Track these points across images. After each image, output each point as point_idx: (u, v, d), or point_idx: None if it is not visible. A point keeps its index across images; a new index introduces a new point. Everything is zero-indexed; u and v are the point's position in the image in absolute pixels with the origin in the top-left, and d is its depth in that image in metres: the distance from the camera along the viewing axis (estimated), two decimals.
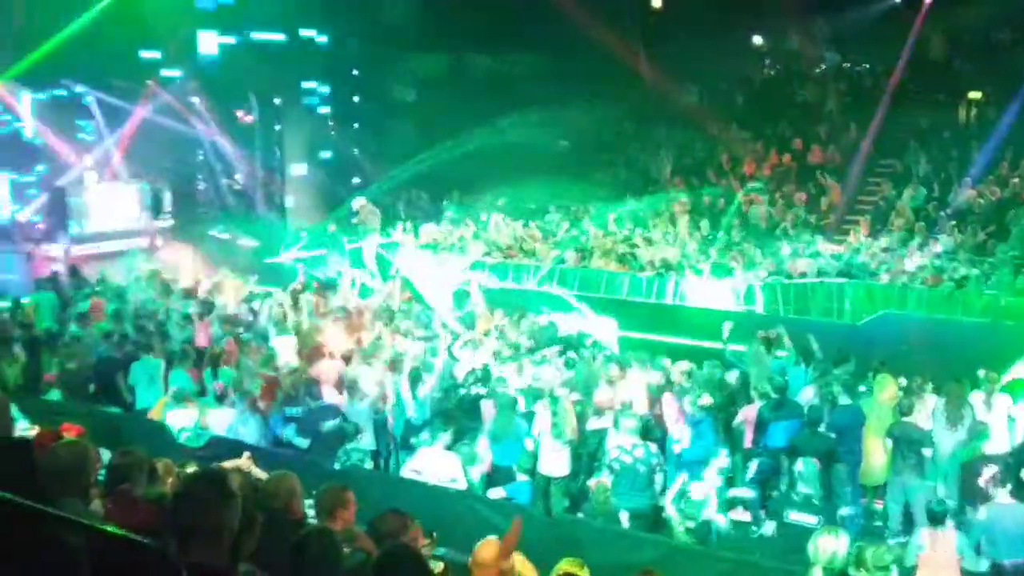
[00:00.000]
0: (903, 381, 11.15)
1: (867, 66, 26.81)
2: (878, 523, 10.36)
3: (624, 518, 9.15)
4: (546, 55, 27.04)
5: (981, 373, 10.96)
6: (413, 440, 10.65)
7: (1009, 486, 8.65)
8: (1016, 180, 21.05)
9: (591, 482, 9.20)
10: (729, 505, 8.73)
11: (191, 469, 6.59)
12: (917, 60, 24.04)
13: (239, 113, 25.91)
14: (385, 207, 25.27)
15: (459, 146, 26.22)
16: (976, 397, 10.62)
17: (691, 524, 8.76)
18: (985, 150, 22.00)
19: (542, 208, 24.29)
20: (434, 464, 9.19)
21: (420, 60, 28.69)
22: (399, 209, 25.17)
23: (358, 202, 21.75)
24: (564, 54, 25.72)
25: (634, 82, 25.37)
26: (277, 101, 25.72)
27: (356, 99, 27.76)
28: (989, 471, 9.03)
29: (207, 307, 14.26)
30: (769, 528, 8.50)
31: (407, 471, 9.33)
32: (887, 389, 10.84)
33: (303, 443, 10.08)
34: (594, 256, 20.74)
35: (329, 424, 10.10)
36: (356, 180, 26.79)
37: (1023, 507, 8.58)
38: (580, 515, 9.82)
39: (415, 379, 11.53)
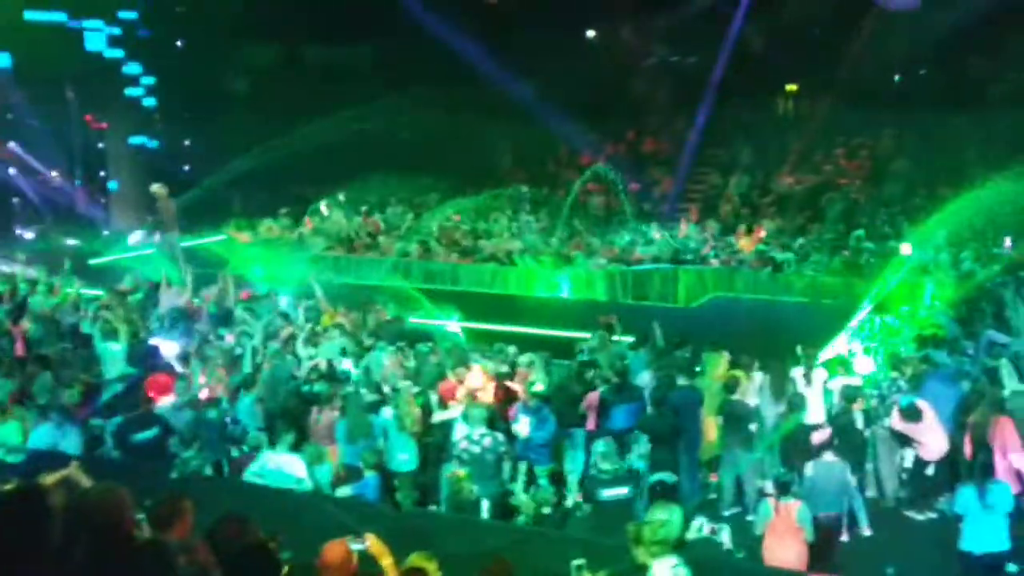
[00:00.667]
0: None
1: (693, 60, 27.79)
2: (713, 496, 10.88)
3: (485, 507, 9.31)
4: (382, 47, 26.93)
5: (800, 350, 11.64)
6: (254, 443, 10.45)
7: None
8: (829, 167, 22.31)
9: (448, 473, 9.28)
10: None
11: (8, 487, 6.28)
12: (738, 55, 25.05)
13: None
14: (220, 202, 24.75)
15: (297, 139, 25.87)
16: (796, 373, 11.29)
17: (546, 510, 9.01)
18: (801, 139, 23.22)
19: (383, 201, 24.19)
20: (278, 466, 9.12)
21: (252, 50, 28.10)
22: (234, 204, 24.61)
23: (158, 190, 20.51)
24: (400, 46, 25.65)
25: (471, 75, 25.50)
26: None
27: (185, 90, 26.84)
28: (822, 434, 9.65)
29: (20, 311, 13.68)
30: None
31: (249, 475, 9.21)
32: (718, 369, 11.41)
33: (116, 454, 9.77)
34: (437, 249, 20.88)
35: (144, 434, 9.85)
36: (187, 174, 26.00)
37: (840, 466, 9.31)
38: (433, 508, 9.95)
39: (249, 380, 11.41)
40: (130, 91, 25.54)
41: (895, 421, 10.46)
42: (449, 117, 26.96)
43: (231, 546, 4.95)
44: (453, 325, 15.04)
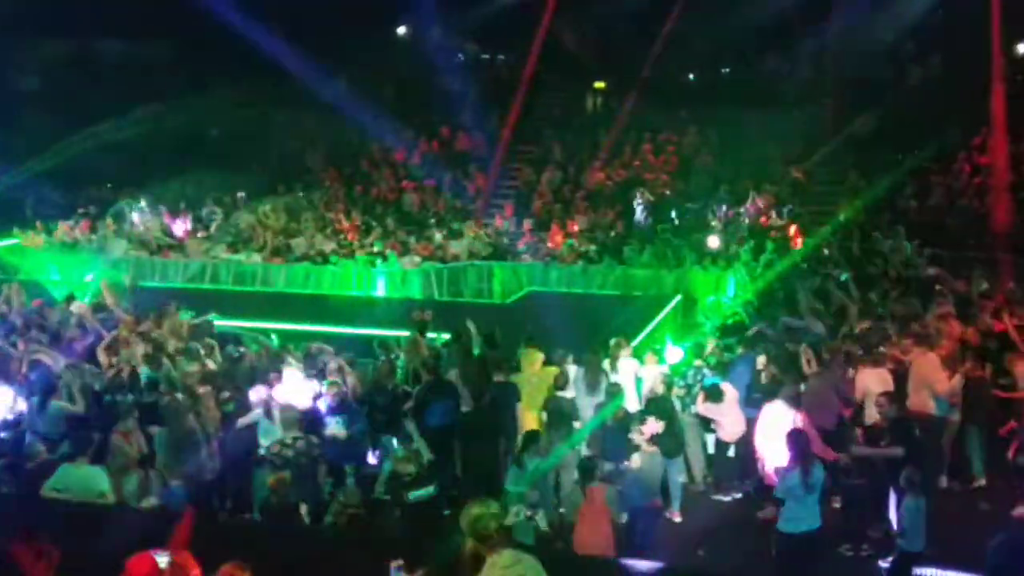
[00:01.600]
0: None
1: (503, 57, 28.15)
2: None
3: (304, 511, 9.11)
4: (184, 42, 26.01)
5: (612, 341, 11.97)
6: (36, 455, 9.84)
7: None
8: (638, 163, 23.02)
9: (271, 479, 9.02)
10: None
11: None
12: (548, 52, 25.50)
13: None
14: (11, 204, 23.30)
15: (96, 137, 24.66)
16: (608, 364, 11.61)
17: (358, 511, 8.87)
18: (609, 136, 23.86)
19: (192, 200, 23.33)
20: (80, 479, 8.67)
21: (43, 46, 26.62)
22: (27, 206, 23.20)
23: None
24: (201, 41, 24.82)
25: (280, 71, 24.95)
26: None
27: None
28: (653, 426, 9.92)
29: None
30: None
31: (47, 490, 8.70)
32: (534, 363, 11.58)
33: None
34: (249, 249, 20.35)
35: None
36: None
37: (659, 457, 9.64)
38: (247, 515, 9.67)
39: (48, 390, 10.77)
40: None
41: (699, 404, 10.93)
42: (258, 114, 26.35)
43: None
44: (263, 327, 14.65)
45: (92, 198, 23.76)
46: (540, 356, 11.71)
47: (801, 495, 8.32)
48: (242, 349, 12.67)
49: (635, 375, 11.54)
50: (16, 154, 24.28)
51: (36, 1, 22.75)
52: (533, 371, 11.48)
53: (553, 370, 11.41)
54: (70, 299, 14.67)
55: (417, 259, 19.60)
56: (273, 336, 13.72)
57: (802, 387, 10.69)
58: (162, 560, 5.46)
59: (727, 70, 25.83)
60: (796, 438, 8.60)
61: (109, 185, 24.49)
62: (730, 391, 10.88)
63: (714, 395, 10.80)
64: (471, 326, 12.88)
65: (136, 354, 11.87)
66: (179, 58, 26.68)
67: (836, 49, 23.12)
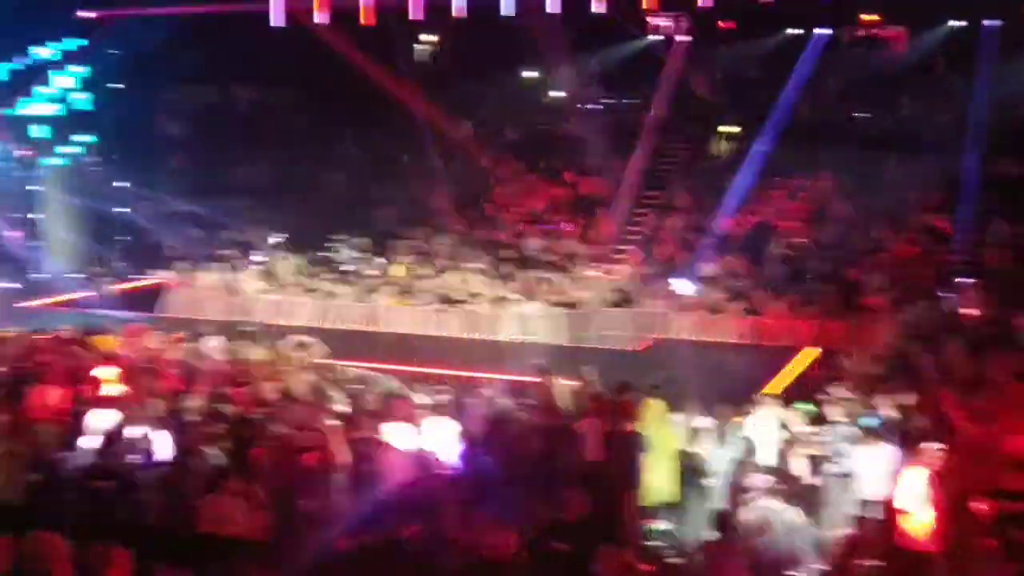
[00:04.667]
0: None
1: (628, 101, 28.09)
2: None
3: None
4: (314, 88, 26.82)
5: (746, 392, 11.61)
6: None
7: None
8: (769, 209, 22.57)
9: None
10: None
11: None
12: (675, 96, 25.37)
13: None
14: (154, 244, 24.30)
15: (233, 179, 25.57)
16: (740, 415, 11.24)
17: None
18: (739, 180, 23.47)
19: (322, 242, 23.88)
20: None
21: (187, 93, 27.81)
22: (168, 246, 24.09)
23: None
24: (332, 88, 25.55)
25: (407, 116, 25.48)
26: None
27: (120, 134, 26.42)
28: (763, 480, 9.54)
29: None
30: None
31: None
32: (657, 413, 11.27)
33: None
34: (377, 291, 20.63)
35: None
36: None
37: (789, 515, 9.22)
38: None
39: None
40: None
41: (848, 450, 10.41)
42: (385, 158, 26.94)
43: None
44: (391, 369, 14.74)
45: (227, 239, 24.54)
46: (663, 406, 11.42)
47: None
48: (368, 388, 12.76)
49: (769, 429, 11.14)
50: (160, 195, 25.39)
51: (182, 51, 23.79)
52: (656, 421, 11.19)
53: (679, 421, 11.13)
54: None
55: (542, 304, 19.54)
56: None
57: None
58: None
59: (864, 114, 25.19)
60: None
61: (242, 227, 25.23)
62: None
63: (871, 436, 10.30)
64: (593, 372, 12.70)
65: (268, 390, 12.07)
66: (311, 104, 27.48)
67: (979, 93, 22.33)
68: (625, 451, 10.46)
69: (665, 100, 25.18)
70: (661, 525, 10.77)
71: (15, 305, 20.15)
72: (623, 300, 19.71)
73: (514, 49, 25.42)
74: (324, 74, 24.54)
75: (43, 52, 22.64)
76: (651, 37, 25.66)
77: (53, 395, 11.35)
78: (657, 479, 10.54)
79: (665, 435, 10.86)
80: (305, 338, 14.46)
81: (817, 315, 18.26)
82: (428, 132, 25.70)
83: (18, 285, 22.03)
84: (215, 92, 28.40)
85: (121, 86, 25.74)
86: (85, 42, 23.56)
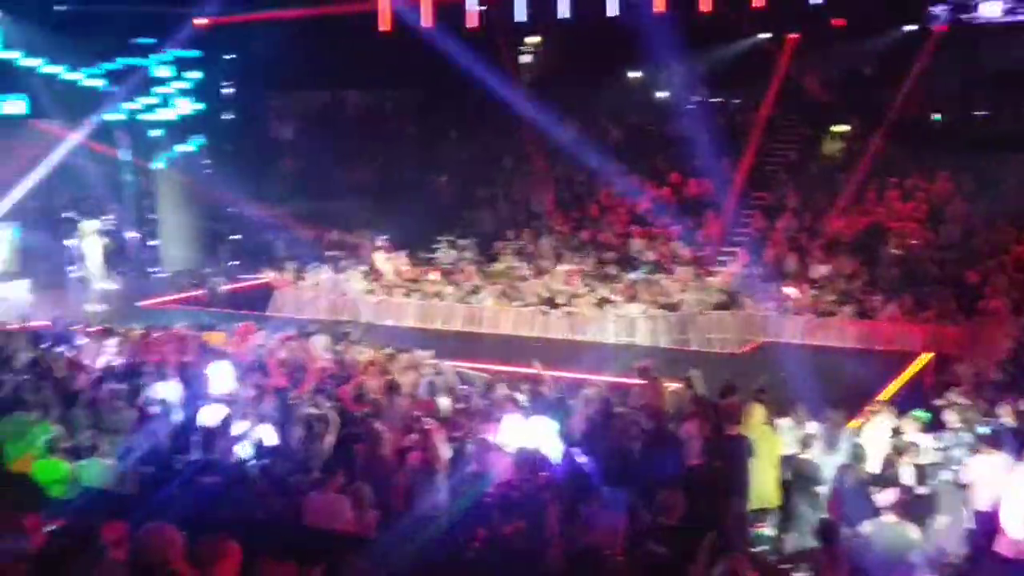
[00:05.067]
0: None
1: (737, 101, 27.69)
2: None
3: None
4: (419, 91, 27.14)
5: (857, 398, 11.28)
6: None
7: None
8: (882, 210, 21.94)
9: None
10: None
11: (61, 524, 6.20)
12: (785, 95, 24.91)
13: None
14: (264, 245, 24.91)
15: (340, 181, 26.04)
16: (852, 422, 10.93)
17: None
18: (851, 181, 22.89)
19: (426, 244, 24.14)
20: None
21: (298, 98, 28.46)
22: (278, 247, 24.68)
23: None
24: (436, 90, 25.82)
25: (511, 117, 25.58)
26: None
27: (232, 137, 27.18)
28: (892, 493, 9.24)
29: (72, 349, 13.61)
30: None
31: None
32: (759, 418, 11.03)
33: None
34: (479, 292, 20.71)
35: None
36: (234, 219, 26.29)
37: (904, 527, 8.89)
38: None
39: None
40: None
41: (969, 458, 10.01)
42: (489, 159, 27.09)
43: None
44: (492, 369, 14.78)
45: (334, 240, 24.97)
46: (768, 410, 11.17)
47: None
48: (470, 388, 12.83)
49: (881, 436, 10.79)
50: (270, 197, 26.03)
51: (293, 57, 24.34)
52: (759, 426, 10.95)
53: (785, 427, 10.87)
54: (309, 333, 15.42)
55: (644, 306, 19.35)
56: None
57: None
58: None
59: (983, 112, 24.30)
60: None
61: (348, 228, 25.63)
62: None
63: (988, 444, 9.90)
64: (697, 375, 12.52)
65: (372, 388, 12.22)
66: (418, 107, 27.82)
67: None
68: (729, 455, 10.27)
69: (774, 99, 24.68)
70: (766, 531, 10.56)
71: (135, 304, 20.83)
72: (728, 302, 19.39)
73: (619, 49, 25.27)
74: (430, 77, 24.79)
75: (157, 57, 23.35)
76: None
77: (166, 390, 11.70)
78: (762, 484, 10.34)
79: (770, 440, 10.65)
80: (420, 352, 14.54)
81: (932, 319, 17.65)
82: (532, 133, 25.75)
83: (136, 284, 22.77)
84: (324, 96, 28.97)
85: (233, 91, 26.51)
86: (198, 50, 24.26)
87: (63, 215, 23.33)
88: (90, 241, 20.66)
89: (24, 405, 10.70)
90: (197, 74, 24.50)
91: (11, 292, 21.08)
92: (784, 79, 24.47)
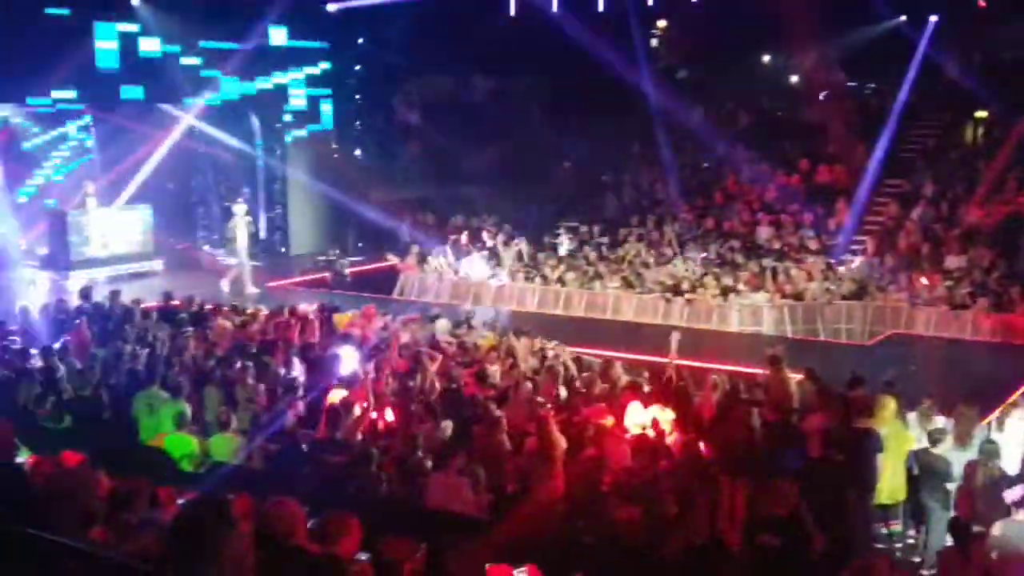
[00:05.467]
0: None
1: (873, 86, 26.82)
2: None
3: None
4: (544, 78, 27.11)
5: (992, 393, 10.83)
6: None
7: None
8: (1023, 199, 20.97)
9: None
10: None
11: (192, 496, 6.46)
12: (923, 80, 24.02)
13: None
14: (388, 229, 25.36)
15: (464, 166, 26.29)
16: (985, 417, 10.51)
17: None
18: (992, 169, 21.92)
19: (548, 229, 24.17)
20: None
21: (424, 84, 28.77)
22: (403, 232, 25.07)
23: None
24: (562, 77, 25.76)
25: (637, 101, 25.35)
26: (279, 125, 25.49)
27: (359, 122, 27.71)
28: (1017, 491, 8.87)
29: (205, 328, 14.12)
30: None
31: None
32: (889, 411, 10.68)
33: None
34: (601, 278, 20.62)
35: None
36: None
37: None
38: None
39: None
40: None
41: None
42: (613, 146, 26.90)
43: None
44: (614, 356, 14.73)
45: (458, 224, 25.24)
46: (893, 403, 10.81)
47: None
48: (592, 375, 12.79)
49: (1018, 434, 10.34)
50: (395, 181, 26.47)
51: (420, 42, 24.66)
52: (887, 419, 10.60)
53: (914, 421, 10.51)
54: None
55: (770, 295, 18.98)
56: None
57: None
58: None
59: None
60: None
61: (472, 213, 25.85)
62: None
63: None
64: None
65: (493, 372, 12.33)
66: (544, 92, 27.80)
67: None
68: (856, 449, 10.01)
69: (912, 84, 23.82)
70: (894, 528, 10.28)
71: (264, 285, 21.50)
72: (858, 292, 18.85)
73: (750, 33, 24.78)
74: (558, 62, 24.76)
75: (278, 39, 23.88)
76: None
77: (293, 370, 12.04)
78: (892, 480, 10.05)
79: (902, 435, 10.32)
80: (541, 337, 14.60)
81: None
82: (659, 119, 25.48)
83: (265, 264, 23.47)
84: (451, 81, 29.26)
85: (361, 76, 27.01)
86: (328, 35, 24.80)
87: (225, 203, 24.21)
88: (240, 223, 21.40)
89: (158, 382, 11.21)
90: (325, 61, 25.09)
91: (147, 271, 22.01)
92: (923, 63, 23.53)
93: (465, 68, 27.76)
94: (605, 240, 22.96)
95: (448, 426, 10.20)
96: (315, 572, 4.36)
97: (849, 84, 26.60)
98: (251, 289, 20.72)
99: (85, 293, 16.89)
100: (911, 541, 10.31)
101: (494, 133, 26.23)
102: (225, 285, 20.76)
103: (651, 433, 10.30)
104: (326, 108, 25.72)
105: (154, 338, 13.47)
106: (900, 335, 17.59)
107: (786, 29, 23.07)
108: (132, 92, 21.76)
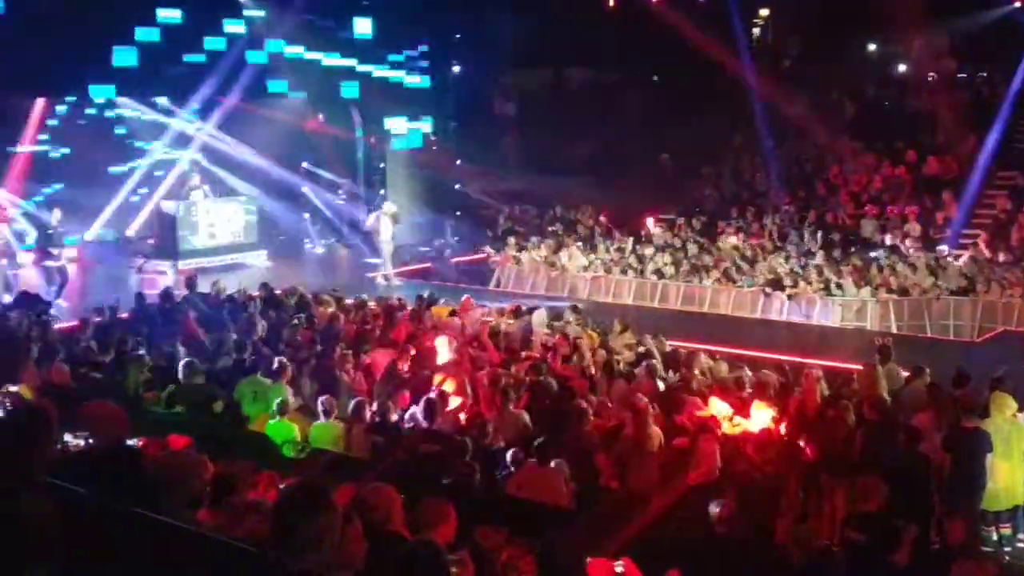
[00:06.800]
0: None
1: (984, 74, 25.91)
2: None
3: None
4: (644, 66, 26.89)
5: None
6: None
7: None
8: None
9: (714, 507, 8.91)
10: None
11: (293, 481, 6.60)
12: None
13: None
14: (485, 220, 25.51)
15: (559, 159, 26.28)
16: None
17: None
18: None
19: (645, 222, 23.99)
20: None
21: (521, 75, 28.85)
22: (500, 224, 25.18)
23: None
24: (664, 65, 25.52)
25: (739, 91, 24.95)
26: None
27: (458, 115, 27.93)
28: None
29: (308, 317, 14.38)
30: None
31: None
32: (1006, 409, 10.31)
33: None
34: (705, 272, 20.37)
35: None
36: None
37: None
38: None
39: None
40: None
41: None
42: (714, 137, 26.55)
43: None
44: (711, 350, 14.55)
45: (555, 216, 25.25)
46: (1012, 402, 10.42)
47: None
48: (689, 370, 12.65)
49: None
50: (493, 173, 26.59)
51: (519, 34, 24.71)
52: (1004, 418, 10.23)
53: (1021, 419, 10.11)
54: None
55: (874, 289, 18.51)
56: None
57: None
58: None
59: None
60: None
61: (569, 204, 25.82)
62: None
63: None
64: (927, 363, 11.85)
65: (589, 365, 12.31)
66: (642, 83, 27.61)
67: None
68: (965, 449, 9.69)
69: None
70: (1005, 532, 9.94)
71: (364, 276, 21.82)
72: (967, 288, 18.26)
73: (856, 20, 24.18)
74: (655, 52, 24.56)
75: (388, 34, 24.25)
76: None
77: (385, 360, 12.16)
78: (1007, 482, 9.70)
79: (1013, 433, 9.95)
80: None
81: None
82: (761, 109, 25.06)
83: (364, 255, 23.84)
84: (548, 73, 29.26)
85: (460, 68, 27.21)
86: (428, 27, 25.04)
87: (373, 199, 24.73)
88: (386, 220, 21.77)
89: (261, 369, 11.46)
90: (426, 51, 25.37)
91: (251, 261, 22.55)
92: None
93: (561, 60, 27.73)
94: (703, 233, 22.69)
95: (538, 417, 10.21)
96: (412, 558, 4.41)
97: (960, 73, 25.71)
98: (396, 282, 21.02)
99: (190, 282, 17.33)
100: (1021, 545, 9.94)
101: (591, 124, 26.14)
102: (381, 279, 21.08)
103: (750, 430, 10.16)
104: (426, 100, 25.97)
105: (258, 326, 13.76)
106: (1011, 332, 17.00)
107: (893, 15, 22.44)
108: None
